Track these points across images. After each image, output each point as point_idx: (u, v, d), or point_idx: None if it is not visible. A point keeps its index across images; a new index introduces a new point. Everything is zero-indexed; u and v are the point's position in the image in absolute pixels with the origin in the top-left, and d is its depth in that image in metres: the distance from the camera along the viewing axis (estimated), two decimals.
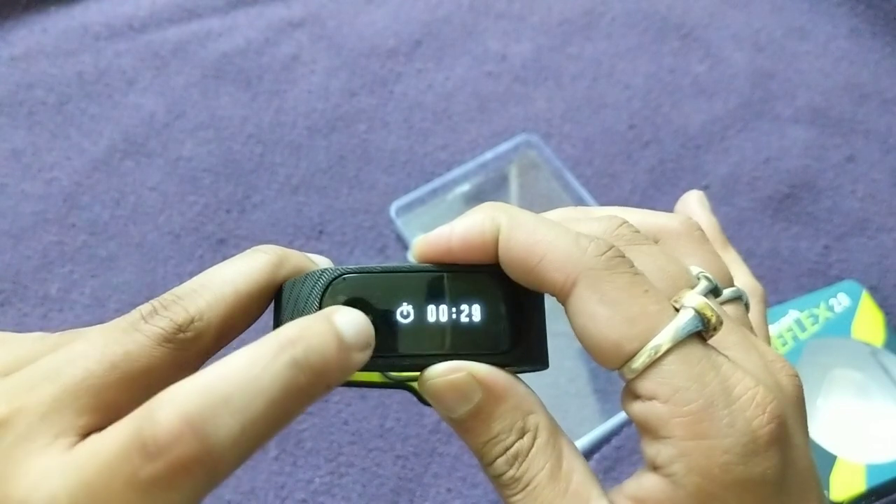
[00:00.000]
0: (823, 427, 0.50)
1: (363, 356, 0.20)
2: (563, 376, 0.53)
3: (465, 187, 0.61)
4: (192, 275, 0.23)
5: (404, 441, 0.51)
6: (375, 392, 0.52)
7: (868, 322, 0.51)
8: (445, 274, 0.22)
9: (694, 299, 0.21)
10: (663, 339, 0.20)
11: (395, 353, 0.22)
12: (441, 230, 0.23)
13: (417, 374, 0.24)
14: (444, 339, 0.22)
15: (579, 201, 0.59)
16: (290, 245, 0.25)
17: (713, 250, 0.26)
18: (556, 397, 0.53)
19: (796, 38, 0.69)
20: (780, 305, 0.53)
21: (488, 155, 0.62)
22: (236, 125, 0.64)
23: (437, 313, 0.22)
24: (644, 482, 0.20)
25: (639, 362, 0.20)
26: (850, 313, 0.52)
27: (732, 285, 0.26)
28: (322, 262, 0.25)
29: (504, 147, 0.62)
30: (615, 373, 0.21)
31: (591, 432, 0.50)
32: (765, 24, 0.70)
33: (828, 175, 0.62)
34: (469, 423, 0.22)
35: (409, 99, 0.66)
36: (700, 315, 0.21)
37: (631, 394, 0.21)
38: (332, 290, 0.22)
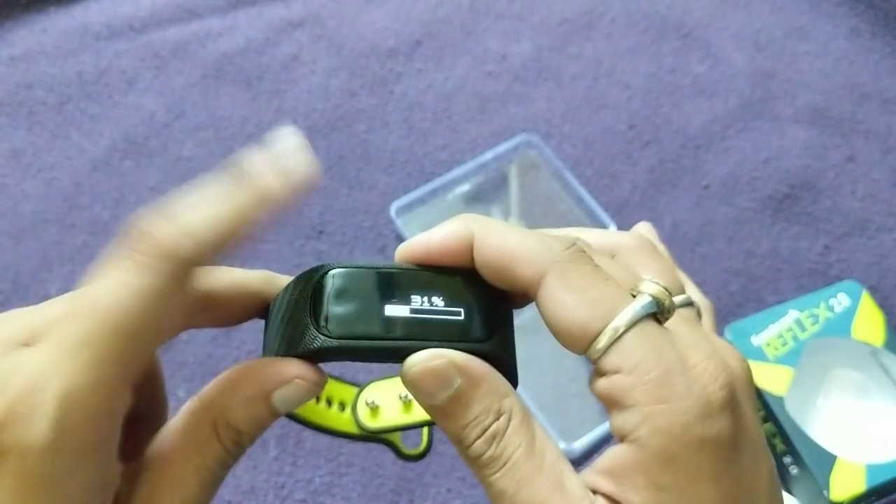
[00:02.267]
0: (823, 427, 0.50)
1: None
2: (563, 376, 0.53)
3: (465, 187, 0.61)
4: None
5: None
6: None
7: (868, 322, 0.51)
8: (426, 272, 0.24)
9: (650, 286, 0.23)
10: (623, 319, 0.22)
11: (377, 340, 0.23)
12: (419, 238, 0.25)
13: (395, 423, 0.29)
14: (424, 328, 0.23)
15: (579, 201, 0.59)
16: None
17: (667, 261, 0.28)
18: (556, 397, 0.53)
19: (796, 38, 0.69)
20: (780, 305, 0.53)
21: (488, 155, 0.62)
22: (236, 125, 0.64)
23: (418, 305, 0.24)
24: (612, 453, 0.22)
25: (602, 342, 0.22)
26: (850, 313, 0.52)
27: (684, 293, 0.27)
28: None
29: (504, 147, 0.62)
30: None
31: (591, 432, 0.50)
32: (765, 24, 0.70)
33: (828, 175, 0.62)
34: (449, 408, 0.23)
35: (409, 99, 0.66)
36: (656, 299, 0.22)
37: (598, 374, 0.23)
38: (325, 281, 0.24)
